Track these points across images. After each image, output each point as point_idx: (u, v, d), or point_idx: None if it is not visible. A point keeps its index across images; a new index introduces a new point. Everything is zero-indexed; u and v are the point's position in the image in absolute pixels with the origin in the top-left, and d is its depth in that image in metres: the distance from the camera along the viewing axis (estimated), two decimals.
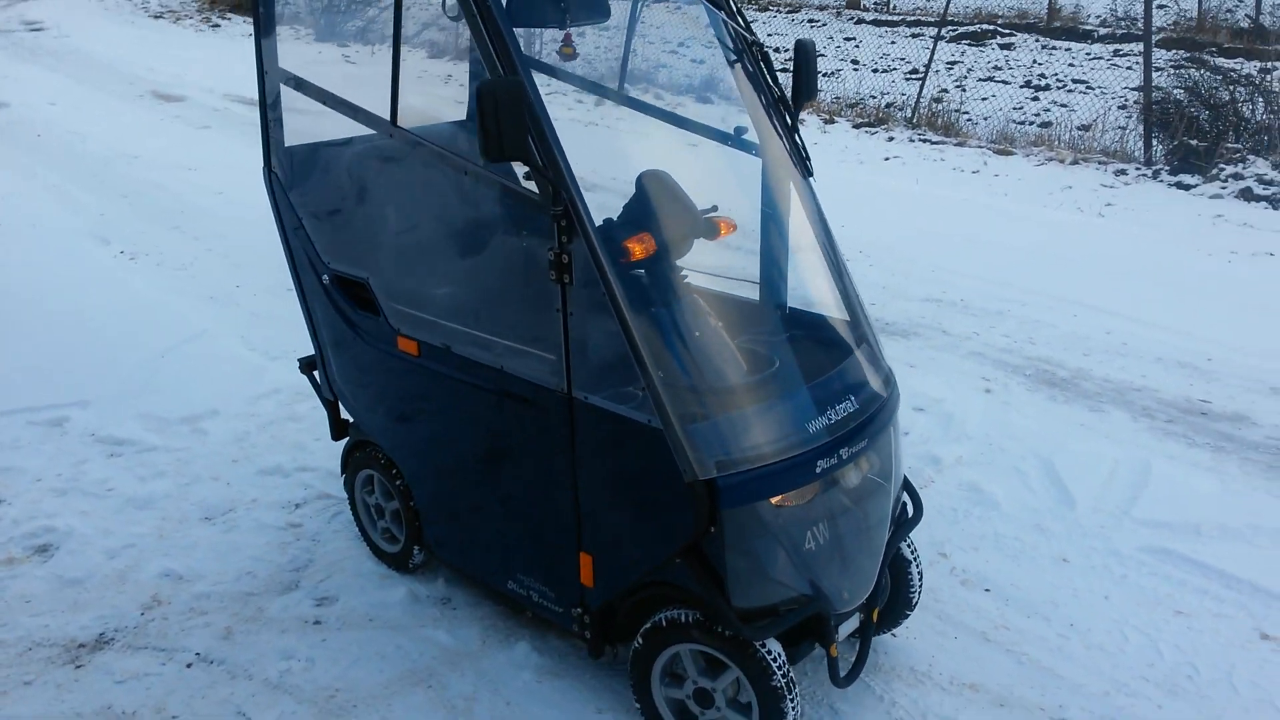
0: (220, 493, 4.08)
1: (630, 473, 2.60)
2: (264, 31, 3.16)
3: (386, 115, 2.84)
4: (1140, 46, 10.57)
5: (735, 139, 3.10)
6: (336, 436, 3.71)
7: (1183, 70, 10.27)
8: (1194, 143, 9.19)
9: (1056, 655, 3.22)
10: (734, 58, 3.03)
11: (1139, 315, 5.92)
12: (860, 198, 8.10)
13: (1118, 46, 14.15)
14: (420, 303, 3.12)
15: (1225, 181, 8.87)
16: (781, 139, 2.99)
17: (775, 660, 2.53)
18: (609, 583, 2.75)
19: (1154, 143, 9.43)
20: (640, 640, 2.70)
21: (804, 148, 3.00)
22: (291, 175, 3.36)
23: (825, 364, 2.78)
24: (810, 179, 3.03)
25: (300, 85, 3.16)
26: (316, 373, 3.64)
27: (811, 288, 3.07)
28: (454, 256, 3.29)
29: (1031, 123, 11.11)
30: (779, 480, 2.48)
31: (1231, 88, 9.75)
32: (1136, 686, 3.09)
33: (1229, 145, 9.29)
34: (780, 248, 3.09)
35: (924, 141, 10.49)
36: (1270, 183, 8.74)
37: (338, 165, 3.52)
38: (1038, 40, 15.02)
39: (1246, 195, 8.60)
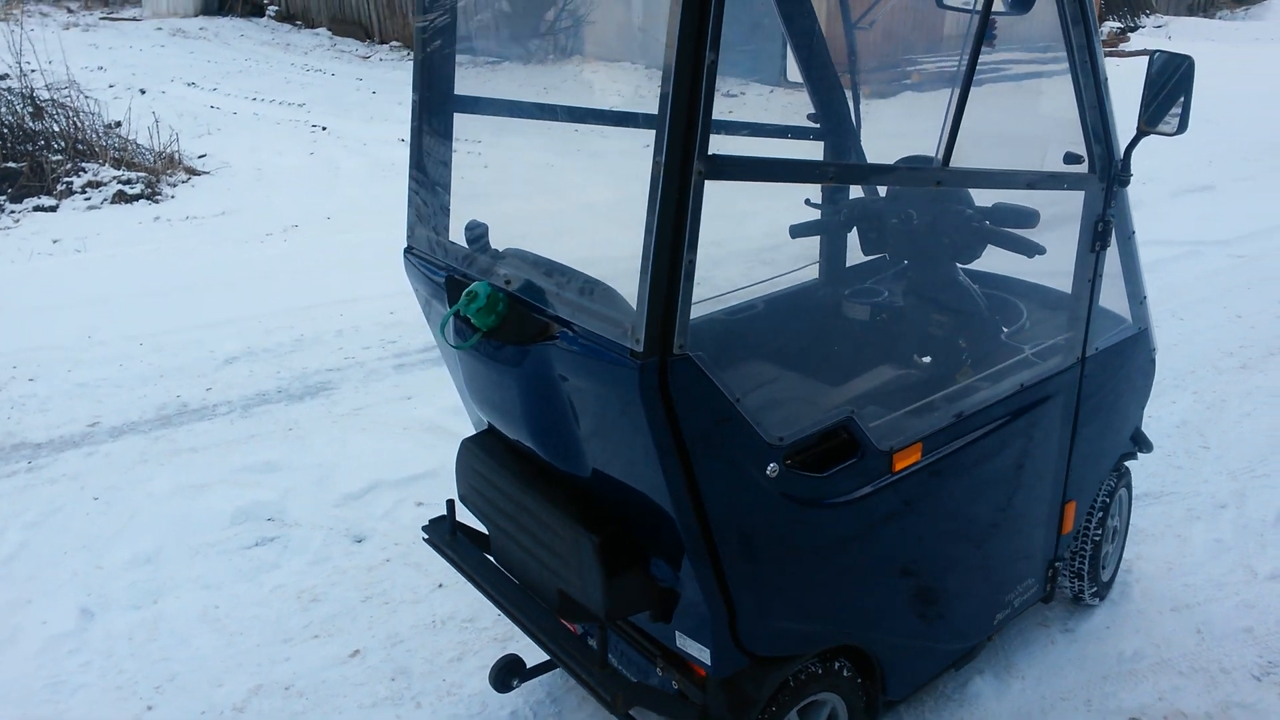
0: None
1: (1126, 374, 2.89)
2: None
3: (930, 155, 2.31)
4: None
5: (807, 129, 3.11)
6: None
7: None
8: (16, 166, 8.25)
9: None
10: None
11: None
12: None
13: None
14: (913, 391, 2.53)
15: (85, 192, 8.22)
16: None
17: None
18: (1090, 497, 2.97)
19: None
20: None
21: None
22: (716, 340, 2.29)
23: None
24: None
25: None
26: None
27: None
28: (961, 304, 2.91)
29: None
30: None
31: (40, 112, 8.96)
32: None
33: (53, 160, 8.43)
34: None
35: None
36: (127, 181, 8.36)
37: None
38: None
39: (122, 197, 8.17)
